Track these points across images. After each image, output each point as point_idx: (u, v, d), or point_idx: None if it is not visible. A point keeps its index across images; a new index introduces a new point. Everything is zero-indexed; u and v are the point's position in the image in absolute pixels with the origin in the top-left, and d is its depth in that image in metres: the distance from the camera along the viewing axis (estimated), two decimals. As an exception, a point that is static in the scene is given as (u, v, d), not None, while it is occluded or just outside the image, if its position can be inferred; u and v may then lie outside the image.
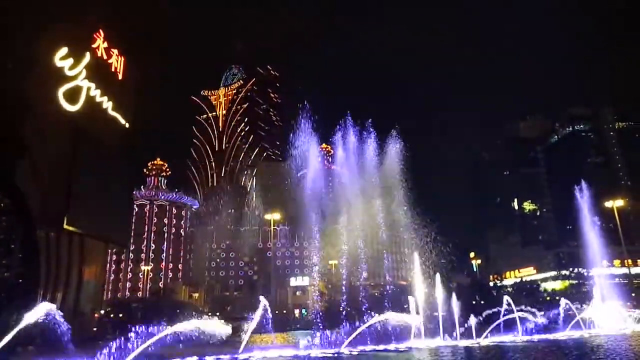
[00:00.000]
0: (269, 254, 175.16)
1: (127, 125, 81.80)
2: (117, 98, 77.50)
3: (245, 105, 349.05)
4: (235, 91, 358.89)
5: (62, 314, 28.48)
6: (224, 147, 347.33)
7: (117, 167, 77.49)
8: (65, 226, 64.90)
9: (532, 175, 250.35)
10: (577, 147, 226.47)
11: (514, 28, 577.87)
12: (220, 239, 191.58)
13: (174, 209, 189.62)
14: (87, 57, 70.29)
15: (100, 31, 74.97)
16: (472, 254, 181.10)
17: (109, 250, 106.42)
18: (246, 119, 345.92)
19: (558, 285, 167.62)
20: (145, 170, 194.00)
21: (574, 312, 57.37)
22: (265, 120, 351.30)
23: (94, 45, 73.43)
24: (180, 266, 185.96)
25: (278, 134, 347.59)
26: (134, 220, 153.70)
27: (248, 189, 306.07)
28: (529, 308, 51.61)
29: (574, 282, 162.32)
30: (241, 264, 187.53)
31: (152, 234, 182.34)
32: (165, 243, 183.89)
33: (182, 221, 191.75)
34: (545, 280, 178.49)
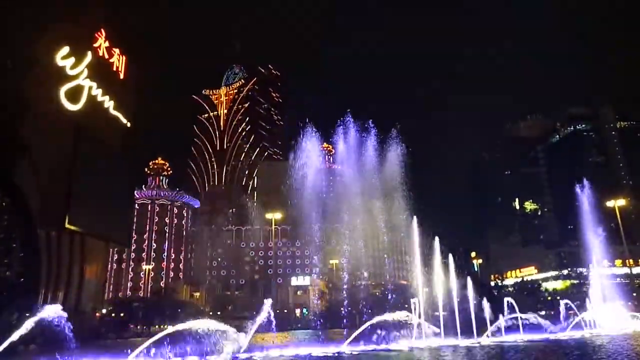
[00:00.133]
0: (270, 253, 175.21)
1: (128, 124, 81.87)
2: (119, 97, 77.56)
3: (246, 105, 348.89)
4: (236, 90, 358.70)
5: (66, 316, 28.44)
6: (225, 146, 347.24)
7: (118, 166, 77.55)
8: (66, 225, 65.00)
9: (533, 174, 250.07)
10: (578, 147, 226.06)
11: (514, 28, 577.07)
12: (222, 239, 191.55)
13: (175, 209, 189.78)
14: (89, 57, 70.36)
15: (102, 30, 75.00)
16: (473, 254, 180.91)
17: (110, 250, 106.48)
18: (247, 118, 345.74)
19: (559, 285, 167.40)
20: (146, 169, 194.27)
21: (575, 312, 57.38)
22: (266, 120, 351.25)
23: (95, 45, 73.47)
24: (181, 265, 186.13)
25: (279, 133, 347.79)
26: (135, 220, 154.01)
27: (249, 189, 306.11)
28: (530, 314, 51.72)
29: (575, 281, 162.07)
30: (242, 263, 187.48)
31: (154, 233, 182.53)
32: (167, 242, 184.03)
33: (183, 220, 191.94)
34: (546, 280, 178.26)
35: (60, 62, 65.87)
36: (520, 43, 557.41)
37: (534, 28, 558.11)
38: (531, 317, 49.60)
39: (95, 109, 71.96)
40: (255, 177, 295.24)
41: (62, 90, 66.33)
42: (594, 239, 71.16)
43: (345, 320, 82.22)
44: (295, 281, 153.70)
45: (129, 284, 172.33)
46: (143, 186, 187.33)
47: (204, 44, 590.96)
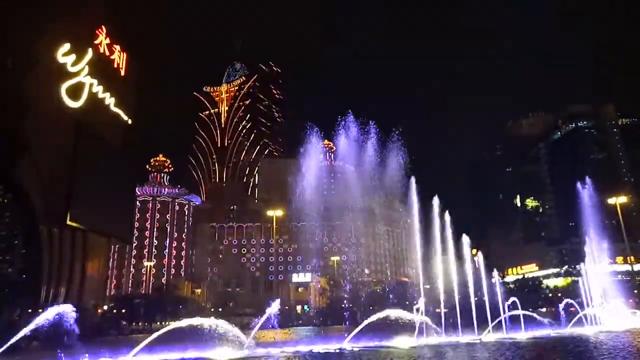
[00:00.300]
0: (271, 250, 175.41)
1: (129, 121, 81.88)
2: (120, 94, 77.53)
3: (247, 102, 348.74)
4: (237, 87, 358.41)
5: (76, 316, 28.52)
6: (226, 143, 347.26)
7: (119, 163, 77.61)
8: (68, 222, 65.12)
9: (534, 172, 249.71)
10: (580, 144, 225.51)
11: (514, 28, 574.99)
12: (223, 235, 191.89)
13: (176, 205, 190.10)
14: (90, 54, 70.29)
15: (103, 27, 74.90)
16: (474, 251, 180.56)
17: (112, 246, 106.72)
18: (248, 116, 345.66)
19: (560, 282, 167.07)
20: (147, 166, 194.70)
21: (576, 309, 57.38)
22: (267, 117, 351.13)
23: (96, 42, 73.38)
24: (182, 262, 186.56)
25: (280, 130, 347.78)
26: (136, 217, 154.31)
27: (250, 185, 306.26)
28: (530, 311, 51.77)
29: (577, 278, 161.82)
30: (243, 260, 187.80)
31: (155, 230, 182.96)
32: (168, 239, 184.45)
33: (185, 217, 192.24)
34: (547, 277, 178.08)
35: (61, 59, 65.85)
36: (520, 43, 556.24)
37: (534, 28, 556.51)
38: (532, 315, 49.57)
39: (96, 106, 71.97)
40: (256, 174, 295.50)
41: (63, 87, 66.33)
42: (595, 236, 71.01)
43: (346, 317, 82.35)
44: (296, 278, 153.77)
45: (130, 281, 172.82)
46: (144, 183, 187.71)
47: (204, 41, 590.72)
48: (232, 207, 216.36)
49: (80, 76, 68.53)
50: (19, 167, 61.83)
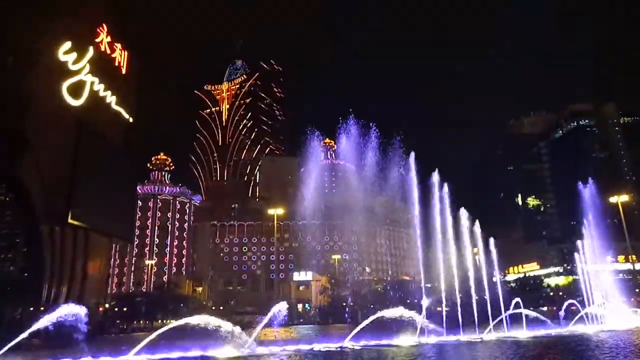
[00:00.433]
0: (272, 248, 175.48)
1: (130, 119, 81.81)
2: (121, 92, 77.45)
3: (248, 100, 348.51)
4: (238, 86, 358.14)
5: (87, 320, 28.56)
6: (227, 141, 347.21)
7: (120, 161, 77.58)
8: (69, 221, 65.13)
9: (535, 170, 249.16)
10: (581, 143, 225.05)
11: (514, 28, 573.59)
12: (224, 234, 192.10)
13: (177, 204, 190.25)
14: (91, 52, 70.17)
15: (104, 25, 74.75)
16: (475, 249, 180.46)
17: (113, 245, 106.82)
18: (249, 114, 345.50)
19: (562, 280, 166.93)
20: (149, 164, 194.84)
21: (577, 308, 57.37)
22: (268, 115, 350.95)
23: (97, 40, 73.24)
24: (184, 260, 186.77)
25: (281, 129, 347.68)
26: (137, 215, 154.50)
27: (251, 184, 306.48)
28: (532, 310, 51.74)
29: (577, 277, 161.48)
30: (244, 258, 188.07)
31: (156, 229, 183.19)
32: (169, 237, 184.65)
33: (186, 216, 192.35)
34: (548, 275, 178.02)
35: (62, 57, 65.74)
36: (520, 43, 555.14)
37: (534, 28, 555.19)
38: (532, 313, 49.56)
39: (97, 104, 71.89)
40: (258, 173, 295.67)
41: (64, 85, 66.25)
42: (596, 235, 70.95)
43: (347, 315, 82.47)
44: (297, 276, 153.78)
45: (131, 279, 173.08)
46: (145, 181, 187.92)
47: (203, 43, 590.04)
48: (233, 206, 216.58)
49: (81, 74, 68.45)
50: (19, 167, 61.81)
